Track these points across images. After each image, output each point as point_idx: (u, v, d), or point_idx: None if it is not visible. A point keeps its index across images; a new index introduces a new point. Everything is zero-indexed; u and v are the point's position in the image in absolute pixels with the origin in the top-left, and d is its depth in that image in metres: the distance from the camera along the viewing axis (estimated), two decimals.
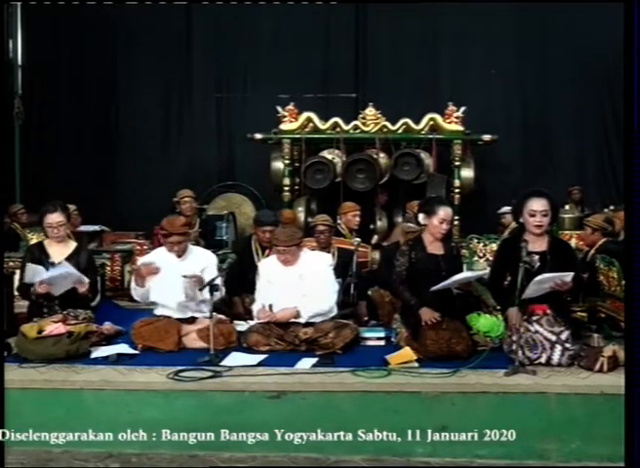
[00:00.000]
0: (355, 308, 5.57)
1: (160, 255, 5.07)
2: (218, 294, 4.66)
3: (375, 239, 7.08)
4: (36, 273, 4.75)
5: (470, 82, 10.14)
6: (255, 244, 5.87)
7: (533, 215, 4.47)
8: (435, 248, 4.77)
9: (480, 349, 4.43)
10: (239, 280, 5.50)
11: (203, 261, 4.99)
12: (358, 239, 6.14)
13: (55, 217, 4.95)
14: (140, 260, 5.21)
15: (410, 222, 6.07)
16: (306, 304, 4.83)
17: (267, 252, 5.71)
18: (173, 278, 4.88)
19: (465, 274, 4.75)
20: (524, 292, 4.26)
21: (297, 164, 8.48)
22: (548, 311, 4.43)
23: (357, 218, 6.92)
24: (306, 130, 8.43)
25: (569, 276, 4.31)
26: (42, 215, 4.99)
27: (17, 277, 5.20)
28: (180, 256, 4.98)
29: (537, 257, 4.44)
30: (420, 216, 4.82)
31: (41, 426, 3.86)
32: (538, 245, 4.52)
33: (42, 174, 10.38)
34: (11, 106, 10.28)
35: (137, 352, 4.67)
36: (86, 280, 4.81)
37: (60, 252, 5.00)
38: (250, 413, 3.97)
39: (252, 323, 4.97)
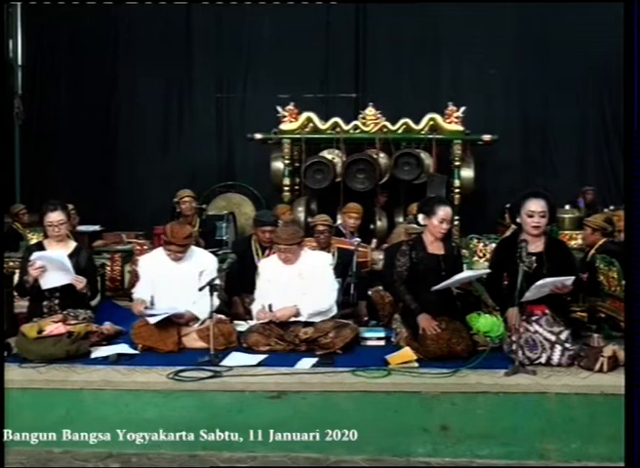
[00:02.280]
0: (355, 308, 5.57)
1: (159, 256, 5.06)
2: (217, 295, 4.64)
3: (374, 243, 7.08)
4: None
5: (470, 82, 10.15)
6: (255, 244, 5.87)
7: (531, 216, 4.47)
8: (436, 248, 4.77)
9: (480, 349, 4.42)
10: (239, 280, 5.50)
11: (202, 264, 4.97)
12: (358, 239, 6.14)
13: (55, 216, 4.96)
14: (140, 263, 5.18)
15: (412, 223, 6.07)
16: (306, 303, 4.82)
17: (267, 252, 5.71)
18: (171, 279, 4.88)
19: (467, 273, 4.74)
20: (523, 292, 4.26)
21: (297, 164, 8.49)
22: (547, 311, 4.43)
23: (353, 221, 6.92)
24: (306, 130, 8.43)
25: (569, 280, 4.31)
26: (42, 214, 4.99)
27: (16, 277, 5.19)
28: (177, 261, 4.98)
29: (533, 258, 4.45)
30: (420, 217, 4.81)
31: (41, 426, 3.87)
32: (534, 246, 4.52)
33: (42, 174, 10.39)
34: (11, 106, 10.29)
35: (137, 352, 4.66)
36: (81, 278, 4.81)
37: (59, 251, 5.00)
38: (250, 413, 3.97)
39: (252, 323, 4.97)
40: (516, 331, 4.25)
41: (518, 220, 4.59)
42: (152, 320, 4.67)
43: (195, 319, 4.86)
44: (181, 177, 9.85)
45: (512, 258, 4.35)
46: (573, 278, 4.32)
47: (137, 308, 4.81)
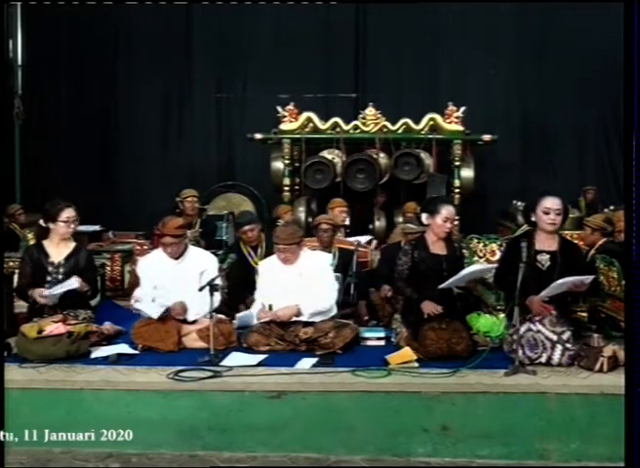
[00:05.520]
0: (355, 308, 5.57)
1: (158, 256, 5.05)
2: (218, 295, 4.64)
3: (374, 244, 7.09)
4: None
5: (470, 82, 10.16)
6: (245, 247, 5.88)
7: (547, 213, 4.52)
8: (438, 248, 4.76)
9: (480, 349, 4.42)
10: (240, 282, 5.51)
11: (202, 264, 4.97)
12: (358, 238, 6.14)
13: (72, 211, 5.00)
14: (139, 265, 5.19)
15: (410, 223, 6.07)
16: (306, 303, 4.82)
17: (259, 250, 5.73)
18: (171, 280, 4.88)
19: (475, 267, 4.74)
20: (526, 291, 4.27)
21: (297, 164, 8.49)
22: (553, 311, 4.42)
23: (344, 214, 6.94)
24: (306, 130, 8.44)
25: (589, 279, 4.36)
26: (58, 211, 4.95)
27: (16, 277, 5.19)
28: (175, 259, 4.98)
29: (547, 256, 4.49)
30: (424, 216, 4.81)
31: (41, 426, 3.87)
32: (548, 244, 4.56)
33: (42, 174, 10.39)
34: (11, 106, 10.29)
35: (137, 352, 4.66)
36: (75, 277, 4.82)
37: (59, 251, 4.99)
38: (250, 413, 3.97)
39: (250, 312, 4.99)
40: (527, 320, 4.25)
41: (533, 219, 4.61)
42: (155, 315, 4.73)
43: (185, 311, 4.85)
44: (181, 177, 9.86)
45: (520, 257, 4.36)
46: (592, 277, 4.39)
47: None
